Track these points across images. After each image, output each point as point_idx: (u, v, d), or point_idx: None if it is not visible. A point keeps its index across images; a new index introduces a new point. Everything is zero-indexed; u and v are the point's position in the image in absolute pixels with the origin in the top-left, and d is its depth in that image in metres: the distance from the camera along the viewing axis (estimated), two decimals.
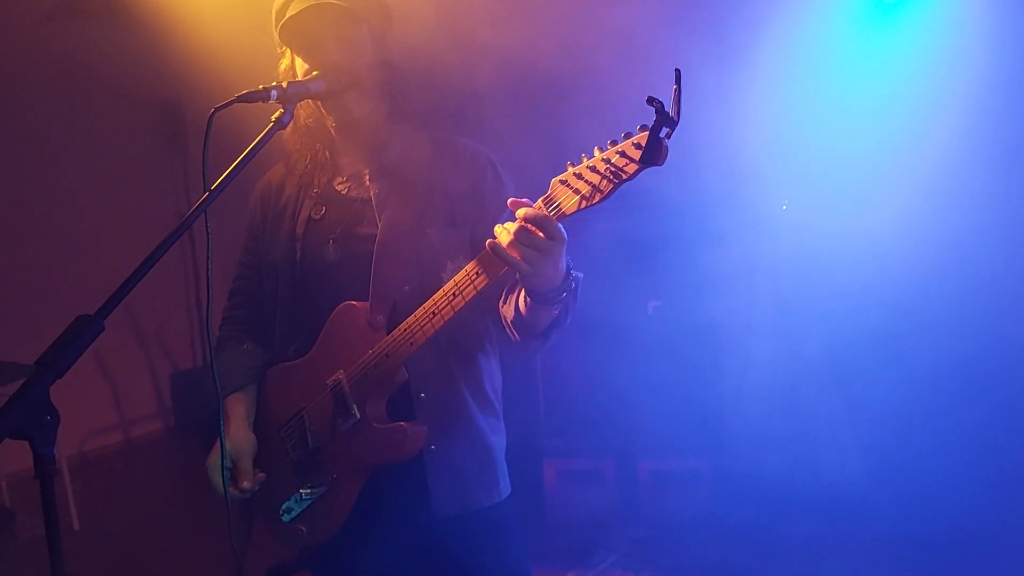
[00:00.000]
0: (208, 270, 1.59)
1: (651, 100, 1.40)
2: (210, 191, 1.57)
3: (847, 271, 3.68)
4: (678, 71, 1.38)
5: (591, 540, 3.86)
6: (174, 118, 5.35)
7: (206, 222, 1.59)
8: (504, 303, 1.79)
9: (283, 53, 1.92)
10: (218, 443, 1.85)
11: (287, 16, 1.79)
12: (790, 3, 3.48)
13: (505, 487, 1.94)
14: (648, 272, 3.95)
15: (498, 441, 1.94)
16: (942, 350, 3.51)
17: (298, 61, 1.87)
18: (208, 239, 1.61)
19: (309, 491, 1.88)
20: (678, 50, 3.41)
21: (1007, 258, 3.28)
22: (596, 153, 1.51)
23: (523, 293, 1.68)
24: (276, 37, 1.88)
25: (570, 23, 3.15)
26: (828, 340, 3.91)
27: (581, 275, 1.66)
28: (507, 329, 1.79)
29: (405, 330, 1.71)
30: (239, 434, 1.93)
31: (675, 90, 1.39)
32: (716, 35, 3.48)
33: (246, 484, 1.89)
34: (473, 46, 3.12)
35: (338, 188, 1.93)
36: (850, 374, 3.82)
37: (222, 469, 1.81)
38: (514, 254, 1.55)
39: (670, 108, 1.40)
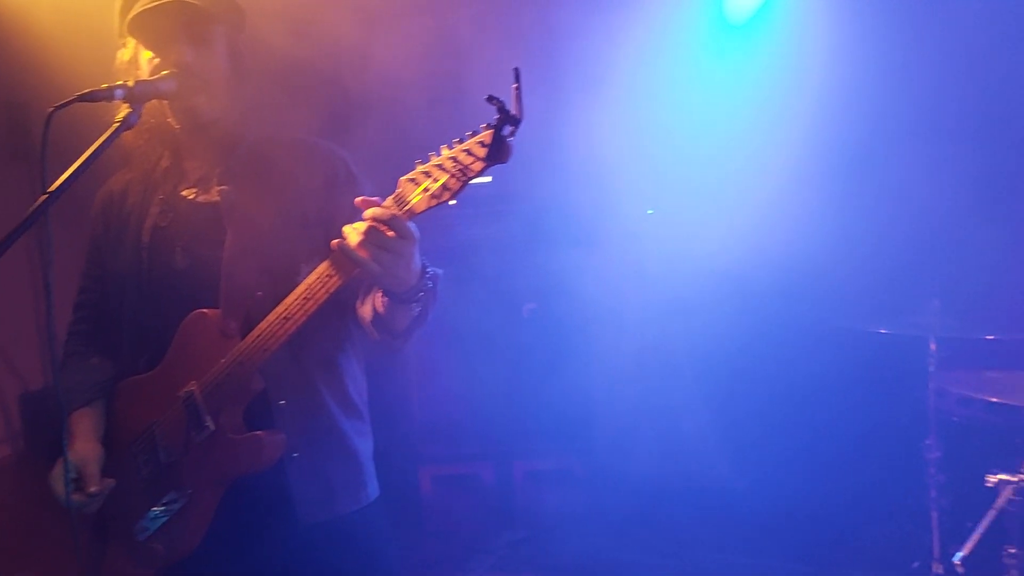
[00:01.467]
0: (47, 278, 1.51)
1: (491, 99, 1.42)
2: (48, 194, 1.49)
3: (710, 274, 3.86)
4: (517, 70, 1.41)
5: (469, 545, 3.89)
6: (19, 122, 5.03)
7: (47, 227, 1.51)
8: (362, 303, 1.77)
9: (124, 44, 1.84)
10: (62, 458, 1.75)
11: (137, 10, 1.72)
12: (650, 13, 3.64)
13: (373, 490, 1.92)
14: (522, 275, 4.02)
15: (364, 444, 1.91)
16: (797, 350, 3.75)
17: (144, 56, 1.79)
18: (49, 245, 1.52)
19: (164, 508, 1.80)
20: (542, 54, 3.50)
21: (852, 260, 3.53)
22: (443, 151, 1.52)
23: (380, 293, 1.67)
24: (119, 27, 1.81)
25: (435, 27, 3.17)
26: (693, 340, 4.09)
27: (440, 272, 1.67)
28: (366, 329, 1.78)
29: (258, 336, 1.67)
30: (85, 446, 1.84)
31: (515, 88, 1.42)
32: (580, 41, 3.59)
33: (93, 488, 1.80)
34: (338, 49, 3.10)
35: (184, 194, 1.86)
36: (714, 372, 4.01)
37: (65, 479, 1.71)
38: (364, 255, 1.53)
39: (512, 106, 1.42)
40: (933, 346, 2.99)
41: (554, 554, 3.83)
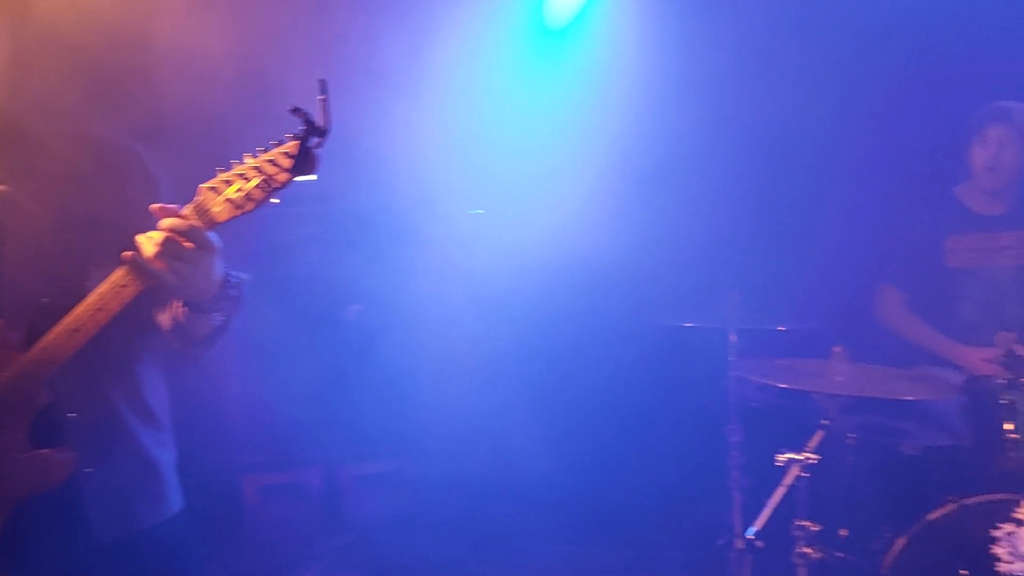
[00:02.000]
0: None
1: (296, 111, 1.41)
2: None
3: (528, 273, 3.97)
4: (323, 82, 1.40)
5: (295, 553, 3.81)
6: None
7: None
8: (160, 311, 1.69)
9: None
10: None
11: None
12: (471, 17, 3.71)
13: (176, 502, 1.84)
14: (349, 276, 3.97)
15: (164, 455, 1.83)
16: (612, 345, 3.93)
17: None
18: None
19: None
20: (364, 56, 3.49)
21: (660, 258, 3.75)
22: (247, 160, 1.48)
23: (179, 302, 1.61)
24: None
25: (248, 29, 3.08)
26: (516, 337, 4.19)
27: (246, 277, 1.63)
28: (166, 337, 1.70)
29: (43, 348, 1.56)
30: None
31: (321, 100, 1.41)
32: (403, 43, 3.61)
33: None
34: (144, 45, 2.95)
35: None
36: (535, 369, 4.13)
37: None
38: (159, 266, 1.47)
39: (318, 118, 1.41)
40: (733, 337, 3.23)
41: (382, 556, 3.81)
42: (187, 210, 1.51)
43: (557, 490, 3.95)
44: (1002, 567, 2.28)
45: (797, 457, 2.62)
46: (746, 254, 3.60)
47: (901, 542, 2.69)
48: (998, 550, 2.33)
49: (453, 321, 4.05)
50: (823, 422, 2.78)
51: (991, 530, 2.42)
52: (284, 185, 1.46)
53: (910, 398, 2.78)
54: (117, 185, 1.73)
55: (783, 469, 2.67)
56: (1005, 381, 2.60)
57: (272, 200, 1.50)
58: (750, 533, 2.72)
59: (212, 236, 1.50)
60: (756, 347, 3.20)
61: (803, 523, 2.62)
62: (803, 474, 2.63)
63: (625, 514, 3.95)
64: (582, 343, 3.88)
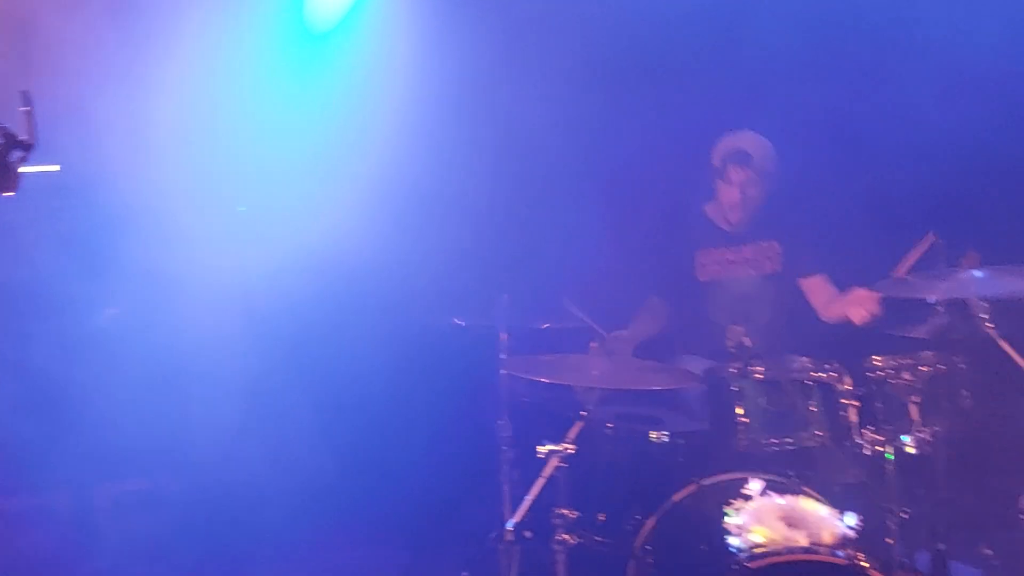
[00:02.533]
0: None
1: None
2: None
3: (304, 276, 3.91)
4: (25, 93, 1.30)
5: None
6: None
7: None
8: None
9: None
10: None
11: None
12: (229, 21, 3.60)
13: None
14: (103, 278, 3.69)
15: None
16: (389, 346, 3.95)
17: None
18: None
19: None
20: (127, 55, 3.29)
21: (434, 261, 3.81)
22: None
23: None
24: None
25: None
26: (290, 342, 4.10)
27: None
28: None
29: None
30: None
31: (26, 112, 1.30)
32: (163, 42, 3.45)
33: None
34: None
35: None
36: (310, 373, 4.07)
37: None
38: None
39: (23, 131, 1.31)
40: (503, 336, 3.34)
41: None
42: None
43: (333, 495, 3.92)
44: (732, 540, 2.51)
45: (556, 448, 2.75)
46: (517, 255, 3.76)
47: (650, 523, 2.91)
48: (728, 524, 2.56)
49: (219, 324, 3.89)
50: (582, 414, 2.94)
51: (724, 507, 2.65)
52: None
53: (657, 388, 2.99)
54: None
55: (544, 460, 2.79)
56: (736, 370, 2.87)
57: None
58: (509, 526, 2.82)
59: None
60: (524, 344, 3.32)
61: (562, 511, 2.75)
62: (562, 464, 2.76)
63: (403, 515, 3.98)
64: (355, 345, 3.87)
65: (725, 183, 3.50)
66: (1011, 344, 2.66)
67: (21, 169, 1.35)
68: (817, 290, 3.53)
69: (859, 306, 3.16)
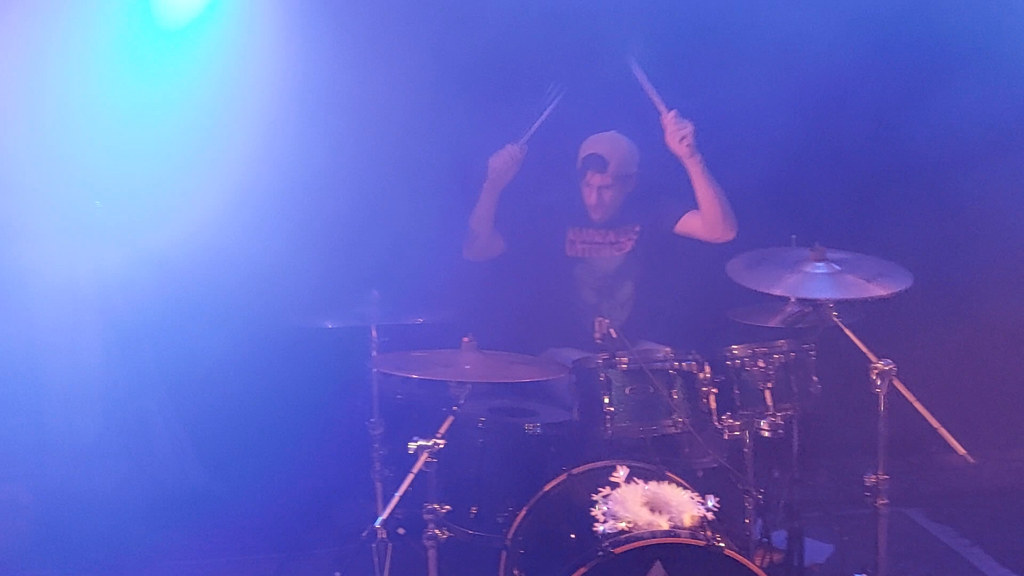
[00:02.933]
0: None
1: None
2: None
3: (169, 278, 3.76)
4: None
5: None
6: None
7: None
8: None
9: None
10: None
11: None
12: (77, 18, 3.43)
13: None
14: None
15: None
16: (257, 349, 3.85)
17: None
18: None
19: None
20: None
21: (300, 261, 3.74)
22: None
23: None
24: None
25: None
26: (155, 345, 3.94)
27: None
28: None
29: None
30: None
31: None
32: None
33: None
34: None
35: None
36: (178, 377, 3.92)
37: None
38: None
39: None
40: (374, 333, 3.30)
41: None
42: None
43: (200, 500, 3.79)
44: (598, 527, 2.57)
45: (426, 444, 2.74)
46: (387, 251, 3.73)
47: (521, 514, 2.95)
48: (595, 512, 2.62)
49: (77, 324, 3.70)
50: (453, 408, 2.94)
51: (592, 495, 2.71)
52: None
53: (527, 380, 3.03)
54: None
55: (414, 456, 2.77)
56: (603, 361, 2.94)
57: None
58: (377, 523, 2.79)
59: None
60: (395, 341, 3.30)
61: (432, 506, 2.74)
62: (432, 460, 2.75)
63: (275, 518, 3.89)
64: (221, 346, 3.74)
65: (585, 186, 3.67)
66: (854, 332, 2.83)
67: None
68: (691, 221, 3.71)
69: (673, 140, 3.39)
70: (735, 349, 2.98)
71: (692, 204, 3.65)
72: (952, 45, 4.10)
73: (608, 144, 3.66)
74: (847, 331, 2.86)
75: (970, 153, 4.20)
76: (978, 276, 4.38)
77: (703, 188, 3.53)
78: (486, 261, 3.77)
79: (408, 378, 3.48)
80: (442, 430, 2.82)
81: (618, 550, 2.40)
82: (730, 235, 3.62)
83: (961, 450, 2.58)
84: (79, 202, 3.73)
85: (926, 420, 2.63)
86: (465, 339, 2.96)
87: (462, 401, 2.94)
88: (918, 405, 2.64)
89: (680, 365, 2.95)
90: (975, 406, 4.26)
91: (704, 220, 3.63)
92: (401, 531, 3.24)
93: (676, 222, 3.74)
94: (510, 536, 2.92)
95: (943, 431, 2.59)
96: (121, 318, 3.83)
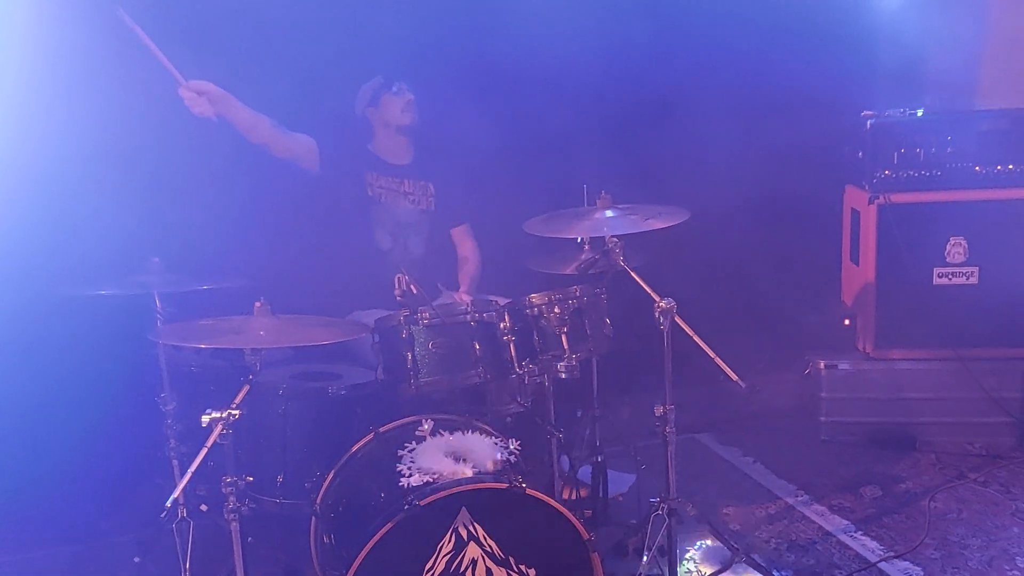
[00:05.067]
0: None
1: None
2: None
3: None
4: None
5: None
6: None
7: None
8: None
9: None
10: None
11: None
12: None
13: None
14: None
15: None
16: (32, 323, 3.52)
17: None
18: None
19: None
20: None
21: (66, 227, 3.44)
22: None
23: None
24: None
25: None
26: None
27: None
28: None
29: None
30: None
31: None
32: None
33: None
34: None
35: None
36: None
37: None
38: None
39: None
40: (158, 302, 3.09)
41: None
42: None
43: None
44: (403, 481, 2.57)
45: (219, 415, 2.61)
46: (168, 216, 3.50)
47: (330, 478, 2.90)
48: (401, 467, 2.62)
49: None
50: (250, 377, 2.82)
51: (397, 450, 2.71)
52: None
53: (325, 342, 2.96)
54: None
55: (209, 429, 2.64)
56: (404, 317, 2.93)
57: None
58: (168, 502, 2.65)
59: None
60: (183, 309, 3.11)
61: (231, 478, 2.64)
62: (227, 431, 2.63)
63: (68, 508, 3.61)
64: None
65: (387, 104, 3.74)
66: (639, 274, 2.98)
67: None
68: (460, 238, 4.02)
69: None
70: (534, 297, 3.05)
71: (470, 211, 4.00)
72: None
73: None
74: (633, 274, 3.00)
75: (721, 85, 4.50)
76: (740, 211, 4.70)
77: None
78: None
79: (201, 349, 3.32)
80: (237, 400, 2.71)
81: (423, 501, 2.41)
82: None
83: (734, 377, 2.79)
84: None
85: (707, 353, 2.82)
86: (257, 304, 2.84)
87: (258, 368, 2.83)
88: (697, 339, 2.81)
89: (481, 316, 2.98)
90: (750, 336, 4.61)
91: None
92: (204, 508, 3.10)
93: (453, 225, 4.00)
94: (319, 501, 2.87)
95: (719, 360, 2.79)
96: None
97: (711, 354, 2.81)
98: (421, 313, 2.95)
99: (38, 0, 3.34)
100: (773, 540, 3.46)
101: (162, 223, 3.48)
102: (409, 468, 2.61)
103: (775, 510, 3.72)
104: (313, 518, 2.88)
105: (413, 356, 2.93)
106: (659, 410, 2.93)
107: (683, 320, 2.84)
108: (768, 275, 4.85)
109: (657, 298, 2.85)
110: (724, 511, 3.71)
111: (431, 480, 2.54)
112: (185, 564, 2.99)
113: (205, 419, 2.62)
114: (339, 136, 3.72)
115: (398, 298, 2.93)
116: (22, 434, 3.61)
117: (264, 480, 3.05)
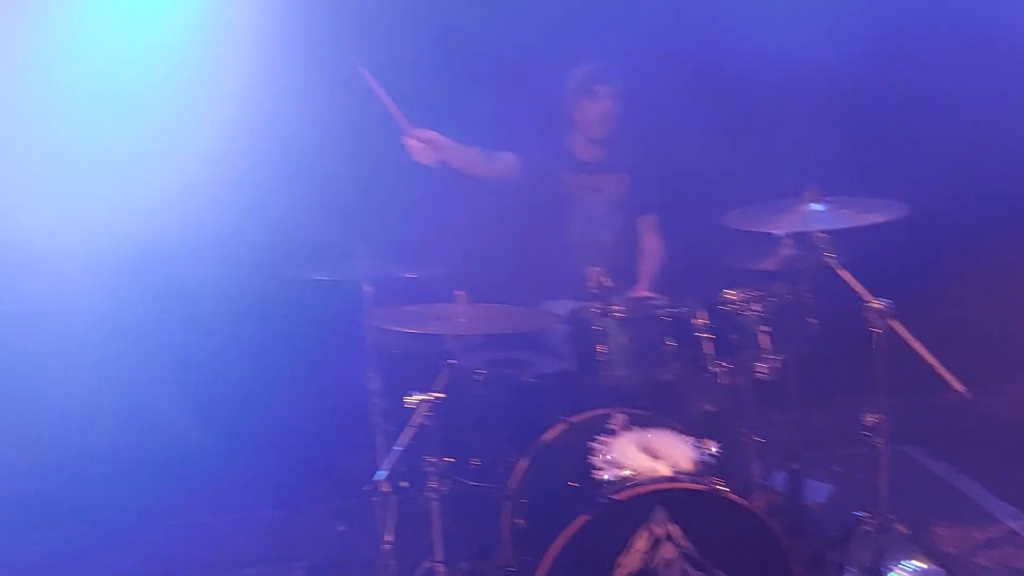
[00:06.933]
0: None
1: None
2: None
3: (161, 239, 3.71)
4: None
5: None
6: None
7: None
8: None
9: None
10: None
11: None
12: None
13: None
14: None
15: None
16: (251, 305, 3.84)
17: None
18: None
19: None
20: None
21: (290, 217, 3.70)
22: None
23: None
24: None
25: None
26: (151, 306, 3.91)
27: None
28: None
29: None
30: None
31: None
32: None
33: None
34: None
35: None
36: (173, 337, 3.90)
37: None
38: None
39: None
40: (367, 288, 3.27)
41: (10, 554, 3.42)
42: None
43: (198, 459, 3.79)
44: (597, 474, 2.58)
45: (424, 397, 2.73)
46: (373, 207, 3.70)
47: (522, 464, 2.95)
48: (594, 460, 2.62)
49: (68, 285, 3.67)
50: (451, 362, 2.93)
51: (591, 443, 2.72)
52: None
53: (523, 331, 3.01)
54: None
55: (413, 410, 2.77)
56: (598, 310, 2.92)
57: None
58: (380, 476, 2.80)
59: None
60: (389, 295, 3.27)
61: (433, 458, 2.75)
62: (430, 413, 2.75)
63: (276, 474, 3.91)
64: (218, 305, 3.72)
65: (586, 104, 3.66)
66: (848, 271, 2.81)
67: None
68: (645, 229, 3.89)
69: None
70: (729, 294, 2.96)
71: (661, 201, 3.84)
72: None
73: (600, 64, 3.67)
74: (841, 271, 2.84)
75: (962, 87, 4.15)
76: (974, 210, 4.33)
77: None
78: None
79: (403, 332, 3.48)
80: (439, 383, 2.83)
81: (620, 496, 2.41)
82: None
83: (958, 386, 2.58)
84: (66, 166, 3.67)
85: (924, 358, 2.62)
86: (458, 292, 2.94)
87: (458, 354, 2.94)
88: (914, 343, 2.62)
89: (674, 312, 2.93)
90: (972, 342, 4.25)
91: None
92: (404, 484, 3.25)
93: (641, 214, 3.86)
94: (512, 486, 2.93)
95: (940, 368, 2.58)
96: (110, 277, 3.78)
97: (930, 359, 2.60)
98: (614, 306, 2.93)
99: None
100: (994, 567, 3.16)
101: (371, 215, 3.68)
102: (603, 461, 2.61)
103: (995, 534, 3.40)
104: (506, 502, 2.94)
105: (605, 349, 2.92)
106: (868, 419, 2.75)
107: (899, 322, 2.65)
108: (990, 279, 4.44)
109: (870, 298, 2.68)
110: (936, 531, 3.43)
111: (626, 475, 2.53)
112: (386, 536, 3.14)
113: (411, 400, 2.75)
114: (538, 146, 3.74)
115: (592, 290, 2.94)
116: (240, 405, 3.93)
117: (458, 462, 3.15)
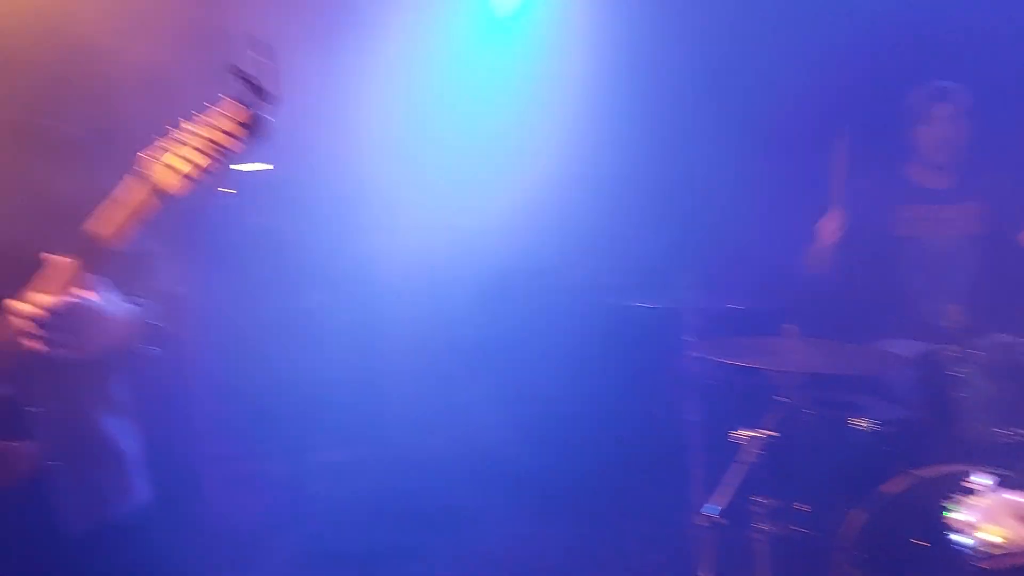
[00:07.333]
0: None
1: (239, 71, 1.35)
2: None
3: (491, 260, 3.97)
4: (265, 44, 1.35)
5: (254, 543, 3.75)
6: None
7: None
8: None
9: None
10: None
11: None
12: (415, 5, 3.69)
13: (142, 493, 1.82)
14: (309, 266, 3.91)
15: (130, 445, 1.81)
16: (573, 327, 3.96)
17: None
18: None
19: None
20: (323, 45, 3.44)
21: (615, 244, 3.79)
22: (191, 126, 1.42)
23: None
24: None
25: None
26: (476, 323, 4.19)
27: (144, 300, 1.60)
28: None
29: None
30: None
31: (266, 63, 1.36)
32: (352, 33, 3.57)
33: None
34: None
35: None
36: (497, 354, 4.14)
37: None
38: (32, 345, 1.44)
39: (264, 82, 1.36)
40: (689, 317, 3.26)
41: (346, 542, 3.79)
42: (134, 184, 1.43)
43: (518, 471, 3.97)
44: (958, 538, 2.34)
45: (755, 434, 2.66)
46: (702, 236, 3.67)
47: (859, 515, 2.76)
48: (953, 520, 2.39)
49: (409, 308, 4.03)
50: (780, 398, 2.82)
51: (942, 500, 2.48)
52: (235, 150, 1.41)
53: (860, 372, 2.83)
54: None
55: (740, 446, 2.70)
56: (956, 354, 2.67)
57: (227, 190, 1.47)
58: (711, 511, 2.75)
59: (90, 302, 1.46)
60: (711, 326, 3.24)
61: (761, 499, 2.66)
62: (760, 451, 2.67)
63: (588, 494, 3.99)
64: (541, 326, 3.89)
65: (926, 122, 3.36)
66: None
67: (238, 167, 1.41)
68: None
69: None
70: None
71: None
72: None
73: (943, 83, 3.36)
74: None
75: None
76: None
77: None
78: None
79: (723, 364, 3.41)
80: (771, 420, 2.74)
81: (991, 565, 2.17)
82: None
83: None
84: (407, 190, 4.03)
85: None
86: (788, 326, 2.82)
87: (788, 391, 2.83)
88: None
89: None
90: None
91: None
92: (724, 521, 3.18)
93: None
94: (847, 537, 2.75)
95: None
96: (447, 301, 4.10)
97: None
98: (975, 351, 2.66)
99: None
100: None
101: (695, 244, 3.67)
102: (966, 524, 2.37)
103: None
104: (840, 553, 2.77)
105: (962, 397, 2.65)
106: None
107: None
108: None
109: None
110: None
111: (997, 542, 2.27)
112: (702, 572, 3.08)
113: (741, 435, 2.69)
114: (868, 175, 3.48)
115: (945, 330, 2.69)
116: (555, 422, 4.07)
117: (785, 505, 3.01)
